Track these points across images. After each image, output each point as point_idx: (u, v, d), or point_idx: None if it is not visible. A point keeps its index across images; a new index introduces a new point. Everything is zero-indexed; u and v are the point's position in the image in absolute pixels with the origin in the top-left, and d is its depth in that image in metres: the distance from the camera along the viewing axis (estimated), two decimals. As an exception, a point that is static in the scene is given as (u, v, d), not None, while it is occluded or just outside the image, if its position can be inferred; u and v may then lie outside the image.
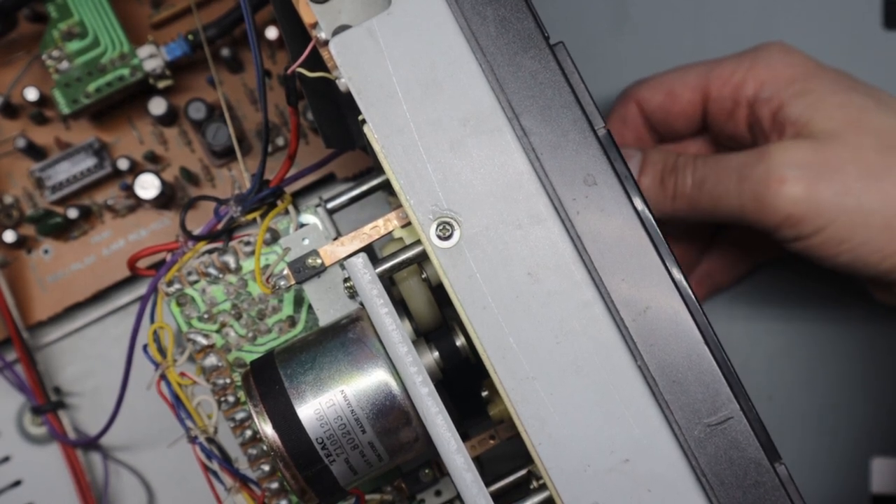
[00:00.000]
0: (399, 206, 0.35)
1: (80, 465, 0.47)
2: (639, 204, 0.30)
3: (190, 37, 0.46)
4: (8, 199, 0.48)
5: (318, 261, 0.35)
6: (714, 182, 0.42)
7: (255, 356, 0.36)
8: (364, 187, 0.39)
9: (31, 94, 0.46)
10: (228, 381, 0.39)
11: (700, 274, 0.49)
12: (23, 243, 0.48)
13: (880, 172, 0.40)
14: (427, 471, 0.40)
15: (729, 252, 0.49)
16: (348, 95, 0.31)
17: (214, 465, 0.38)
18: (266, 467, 0.39)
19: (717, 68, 0.44)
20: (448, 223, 0.31)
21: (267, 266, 0.38)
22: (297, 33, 0.35)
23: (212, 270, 0.39)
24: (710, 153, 0.48)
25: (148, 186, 0.46)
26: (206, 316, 0.39)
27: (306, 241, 0.38)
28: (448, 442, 0.31)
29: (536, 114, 0.30)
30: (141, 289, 0.49)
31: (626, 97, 0.47)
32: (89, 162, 0.47)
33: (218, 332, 0.39)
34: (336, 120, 0.39)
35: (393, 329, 0.31)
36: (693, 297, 0.30)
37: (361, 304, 0.34)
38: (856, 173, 0.40)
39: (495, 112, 0.31)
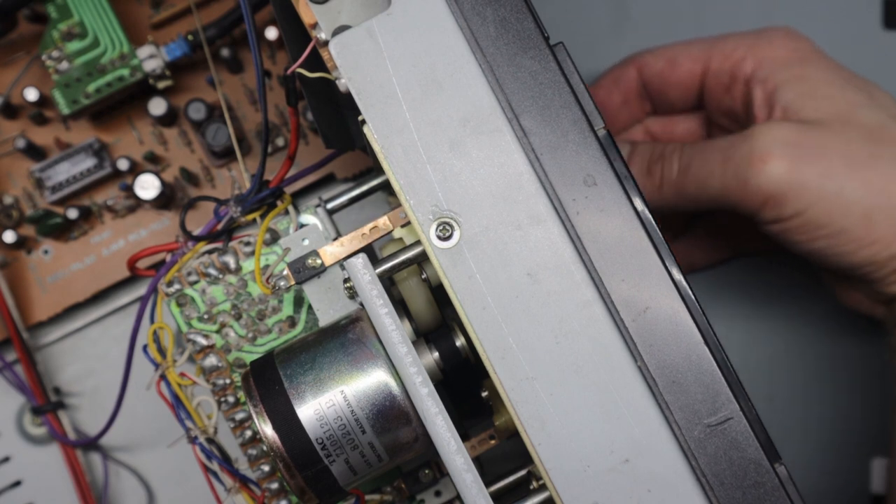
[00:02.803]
0: (399, 206, 0.35)
1: (80, 465, 0.47)
2: (639, 204, 0.30)
3: (190, 37, 0.46)
4: (8, 200, 0.48)
5: (318, 261, 0.35)
6: (699, 165, 0.42)
7: (255, 356, 0.36)
8: (364, 187, 0.39)
9: (31, 95, 0.46)
10: (228, 381, 0.39)
11: (677, 251, 0.49)
12: (23, 243, 0.48)
13: (864, 162, 0.40)
14: (427, 471, 0.40)
15: (706, 236, 0.49)
16: (348, 96, 0.31)
17: (214, 466, 0.38)
18: (266, 467, 0.39)
19: (721, 42, 0.45)
20: (448, 223, 0.31)
21: (267, 266, 0.38)
22: (297, 34, 0.35)
23: (212, 271, 0.39)
24: (700, 130, 0.48)
25: (148, 187, 0.46)
26: (205, 316, 0.39)
27: (306, 242, 0.38)
28: (448, 442, 0.31)
29: (536, 114, 0.30)
30: (141, 289, 0.49)
31: (627, 61, 0.47)
32: (89, 162, 0.47)
33: (218, 332, 0.39)
34: (336, 120, 0.39)
35: (393, 329, 0.31)
36: (693, 297, 0.30)
37: (361, 304, 0.34)
38: (840, 160, 0.40)
39: (495, 112, 0.31)
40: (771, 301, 0.50)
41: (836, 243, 0.40)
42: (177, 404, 0.39)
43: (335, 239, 0.37)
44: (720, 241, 0.49)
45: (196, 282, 0.39)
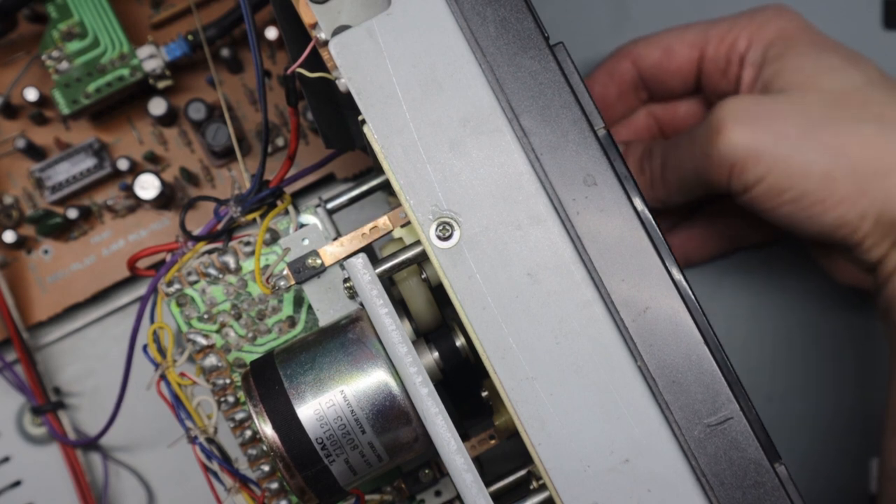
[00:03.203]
0: (399, 206, 0.35)
1: (80, 465, 0.47)
2: (639, 204, 0.30)
3: (190, 37, 0.46)
4: (8, 200, 0.48)
5: (318, 261, 0.35)
6: (673, 155, 0.43)
7: (255, 356, 0.36)
8: (364, 187, 0.39)
9: (31, 95, 0.46)
10: (228, 381, 0.39)
11: (673, 243, 0.49)
12: (23, 243, 0.48)
13: (820, 124, 0.40)
14: (427, 471, 0.40)
15: (706, 228, 0.49)
16: (348, 96, 0.31)
17: (214, 466, 0.38)
18: (266, 467, 0.39)
19: (715, 25, 0.45)
20: (448, 223, 0.31)
21: (267, 266, 0.38)
22: (297, 34, 0.35)
23: (212, 271, 0.39)
24: (703, 111, 0.48)
25: (148, 187, 0.46)
26: (205, 316, 0.39)
27: (306, 242, 0.38)
28: (448, 442, 0.31)
29: (536, 114, 0.30)
30: (141, 289, 0.49)
31: (621, 53, 0.48)
32: (89, 162, 0.47)
33: (218, 332, 0.39)
34: (336, 120, 0.39)
35: (393, 329, 0.31)
36: (693, 297, 0.30)
37: (361, 304, 0.34)
38: (795, 123, 0.40)
39: (495, 112, 0.31)
40: (771, 301, 0.50)
41: (801, 207, 0.40)
42: (177, 404, 0.39)
43: (335, 239, 0.37)
44: (717, 234, 0.49)
45: (196, 282, 0.39)
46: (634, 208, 0.30)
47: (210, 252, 0.39)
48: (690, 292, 0.30)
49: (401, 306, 0.36)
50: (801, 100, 0.41)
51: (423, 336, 0.35)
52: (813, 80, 0.41)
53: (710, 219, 0.49)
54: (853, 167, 0.40)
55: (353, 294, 0.35)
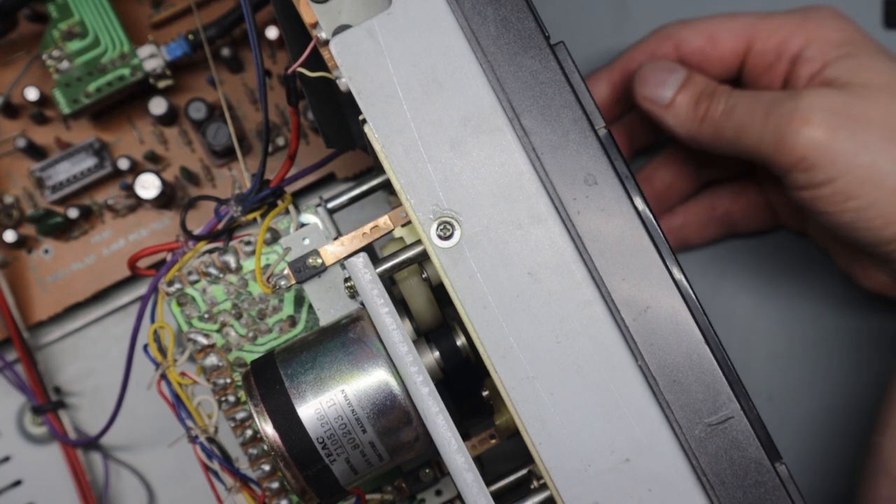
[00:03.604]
0: (399, 205, 0.35)
1: (81, 465, 0.47)
2: (639, 203, 0.30)
3: (190, 37, 0.46)
4: (8, 199, 0.48)
5: (319, 260, 0.35)
6: (742, 112, 0.42)
7: (256, 356, 0.36)
8: (364, 187, 0.39)
9: (32, 94, 0.46)
10: (229, 380, 0.39)
11: (673, 225, 0.49)
12: (23, 243, 0.48)
13: None
14: (427, 470, 0.40)
15: (706, 211, 0.49)
16: (349, 95, 0.31)
17: (215, 465, 0.38)
18: (266, 467, 0.39)
19: (766, 20, 0.44)
20: (448, 223, 0.31)
21: (267, 266, 0.38)
22: (298, 33, 0.35)
23: (212, 270, 0.39)
24: None
25: (148, 186, 0.46)
26: (206, 316, 0.39)
27: (307, 241, 0.38)
28: (448, 442, 0.31)
29: (537, 113, 0.30)
30: (141, 289, 0.49)
31: (662, 35, 0.47)
32: (89, 162, 0.47)
33: (218, 331, 0.39)
34: (336, 120, 0.39)
35: (393, 329, 0.31)
36: (693, 296, 0.30)
37: (362, 303, 0.34)
38: (879, 132, 0.40)
39: (496, 112, 0.31)
40: (771, 300, 0.50)
41: (864, 216, 0.40)
42: (177, 404, 0.39)
43: (336, 238, 0.37)
44: (717, 219, 0.49)
45: (196, 281, 0.39)
46: (635, 208, 0.30)
47: (211, 251, 0.39)
48: (691, 291, 0.30)
49: (401, 306, 0.36)
50: (887, 105, 0.40)
51: (424, 335, 0.35)
52: (894, 84, 0.41)
53: (711, 202, 0.49)
54: None
55: (353, 293, 0.35)
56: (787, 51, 0.44)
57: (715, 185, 0.49)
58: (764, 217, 0.49)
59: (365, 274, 0.32)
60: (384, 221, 0.35)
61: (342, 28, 0.32)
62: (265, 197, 0.38)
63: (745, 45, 0.45)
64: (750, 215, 0.49)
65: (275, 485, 0.39)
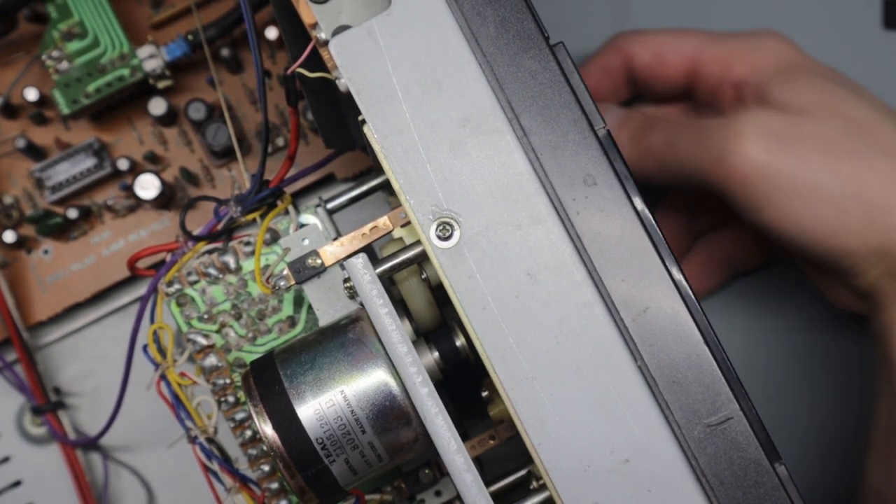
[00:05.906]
0: (399, 206, 0.35)
1: (80, 465, 0.47)
2: (639, 204, 0.30)
3: (190, 37, 0.46)
4: (8, 200, 0.48)
5: (318, 261, 0.35)
6: (681, 140, 0.42)
7: (255, 356, 0.36)
8: (364, 187, 0.39)
9: (31, 95, 0.46)
10: (228, 381, 0.39)
11: None
12: (23, 243, 0.48)
13: (841, 153, 0.40)
14: (427, 471, 0.40)
15: (707, 259, 0.49)
16: (348, 96, 0.31)
17: (214, 466, 0.38)
18: (266, 467, 0.39)
19: (712, 44, 0.45)
20: (448, 223, 0.31)
21: (267, 266, 0.38)
22: (297, 33, 0.35)
23: (212, 271, 0.39)
24: (691, 114, 0.48)
25: (148, 187, 0.46)
26: (205, 316, 0.39)
27: (306, 242, 0.38)
28: (448, 442, 0.31)
29: (536, 114, 0.30)
30: (141, 289, 0.49)
31: (614, 48, 0.47)
32: (89, 162, 0.47)
33: (218, 332, 0.39)
34: (336, 120, 0.39)
35: (393, 329, 0.31)
36: (693, 297, 0.30)
37: (361, 304, 0.34)
38: (816, 149, 0.40)
39: (495, 112, 0.31)
40: (771, 300, 0.50)
41: (812, 234, 0.40)
42: (177, 404, 0.39)
43: (335, 239, 0.37)
44: (718, 264, 0.49)
45: (196, 282, 0.39)
46: (634, 208, 0.30)
47: (210, 252, 0.39)
48: (690, 292, 0.30)
49: (401, 306, 0.36)
50: (823, 123, 0.41)
51: (424, 336, 0.35)
52: (833, 105, 0.41)
53: (711, 249, 0.49)
54: (866, 199, 0.40)
55: (353, 294, 0.35)
56: (730, 76, 0.44)
57: (709, 232, 0.49)
58: (766, 250, 0.48)
59: (364, 274, 0.32)
60: (383, 222, 0.35)
61: (342, 28, 0.32)
62: (265, 197, 0.38)
63: (691, 66, 0.45)
64: (752, 251, 0.48)
65: (274, 485, 0.39)
